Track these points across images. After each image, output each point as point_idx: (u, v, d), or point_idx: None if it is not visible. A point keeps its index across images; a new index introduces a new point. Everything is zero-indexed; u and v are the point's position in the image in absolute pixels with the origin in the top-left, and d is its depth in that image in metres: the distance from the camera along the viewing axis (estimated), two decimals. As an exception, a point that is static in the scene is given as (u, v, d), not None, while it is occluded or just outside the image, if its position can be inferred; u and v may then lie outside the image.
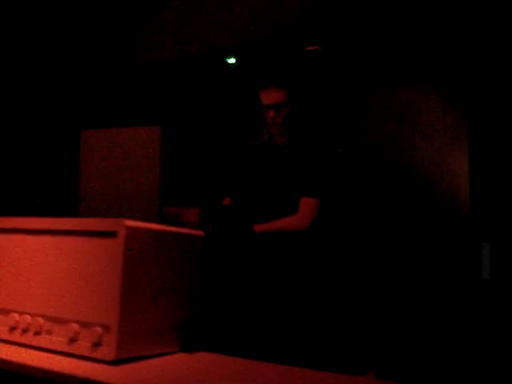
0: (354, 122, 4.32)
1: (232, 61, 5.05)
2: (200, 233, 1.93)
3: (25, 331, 1.71)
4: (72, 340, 1.60)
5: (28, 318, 1.72)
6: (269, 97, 2.78)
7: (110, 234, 1.60)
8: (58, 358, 1.59)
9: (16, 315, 1.74)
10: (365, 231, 4.15)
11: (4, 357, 1.56)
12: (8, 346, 1.71)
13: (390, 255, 4.01)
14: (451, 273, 3.80)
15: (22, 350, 1.67)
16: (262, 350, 1.98)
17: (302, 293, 2.63)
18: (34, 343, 1.69)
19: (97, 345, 1.55)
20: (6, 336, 1.75)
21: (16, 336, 1.73)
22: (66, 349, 1.61)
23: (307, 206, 2.69)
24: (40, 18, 5.17)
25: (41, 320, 1.69)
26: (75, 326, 1.61)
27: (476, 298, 3.67)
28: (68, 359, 1.57)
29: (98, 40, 5.63)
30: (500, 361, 3.41)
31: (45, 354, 1.62)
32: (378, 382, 1.65)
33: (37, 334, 1.69)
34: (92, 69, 5.74)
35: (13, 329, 1.74)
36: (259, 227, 2.62)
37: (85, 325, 1.59)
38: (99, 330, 1.55)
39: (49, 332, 1.67)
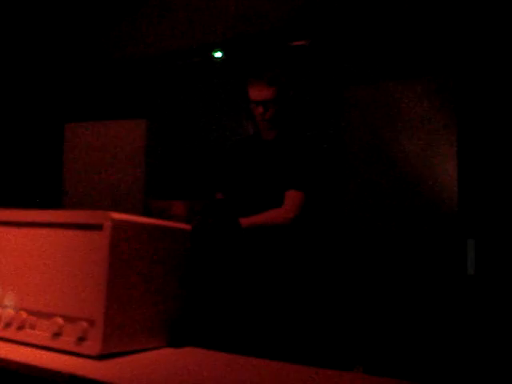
0: (342, 116, 4.32)
1: (218, 55, 5.03)
2: (187, 226, 1.91)
3: (7, 325, 1.68)
4: (56, 334, 1.58)
5: (11, 311, 1.69)
6: (258, 93, 2.77)
7: (95, 227, 1.57)
8: (41, 352, 1.56)
9: (-2, 309, 1.71)
10: (351, 227, 4.15)
11: (-14, 352, 1.53)
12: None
13: (376, 251, 4.01)
14: (437, 268, 3.81)
15: (5, 344, 1.64)
16: (250, 345, 1.97)
17: (289, 287, 2.63)
18: (17, 338, 1.66)
19: (82, 339, 1.53)
20: (-12, 330, 1.72)
21: (-2, 330, 1.70)
22: (50, 343, 1.58)
23: (292, 199, 2.69)
24: (21, 10, 5.11)
25: (24, 314, 1.66)
26: (60, 320, 1.58)
27: (461, 294, 3.69)
28: (52, 354, 1.55)
29: (82, 32, 5.58)
30: (486, 355, 3.43)
31: (28, 349, 1.59)
32: (366, 376, 1.65)
33: (20, 328, 1.66)
34: (76, 61, 5.69)
35: (-5, 323, 1.71)
36: (245, 221, 2.61)
37: (69, 319, 1.57)
38: (84, 324, 1.53)
39: (32, 326, 1.64)
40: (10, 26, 5.17)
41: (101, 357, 1.50)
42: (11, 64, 5.30)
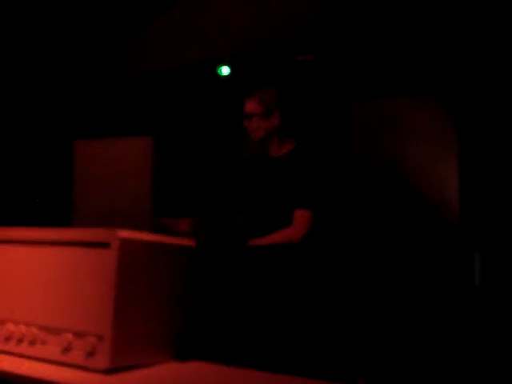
0: (346, 132, 4.34)
1: (225, 70, 5.08)
2: (192, 243, 1.94)
3: (19, 341, 1.72)
4: (66, 349, 1.61)
5: (23, 327, 1.73)
6: (245, 106, 2.86)
7: (103, 245, 1.61)
8: (51, 367, 1.60)
9: (11, 325, 1.76)
10: (357, 241, 4.17)
11: (-1, 367, 1.58)
12: (3, 356, 1.72)
13: (381, 265, 4.02)
14: (444, 281, 3.82)
15: (17, 359, 1.68)
16: (255, 359, 2.00)
17: (294, 302, 2.65)
18: (28, 353, 1.70)
19: (90, 354, 1.56)
20: (0, 346, 1.76)
21: (11, 346, 1.74)
22: (60, 358, 1.62)
23: (300, 218, 2.71)
24: (31, 28, 5.18)
25: (35, 330, 1.70)
26: (69, 336, 1.62)
27: (468, 304, 3.71)
28: (62, 368, 1.58)
29: (90, 50, 5.65)
30: (491, 366, 3.44)
31: (39, 364, 1.63)
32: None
33: (31, 343, 1.70)
34: (84, 79, 5.75)
35: (7, 339, 1.75)
36: (254, 243, 2.65)
37: (79, 334, 1.61)
38: (93, 339, 1.57)
39: (43, 342, 1.68)
40: (19, 45, 5.25)
41: (109, 371, 1.53)
42: (20, 83, 5.37)
